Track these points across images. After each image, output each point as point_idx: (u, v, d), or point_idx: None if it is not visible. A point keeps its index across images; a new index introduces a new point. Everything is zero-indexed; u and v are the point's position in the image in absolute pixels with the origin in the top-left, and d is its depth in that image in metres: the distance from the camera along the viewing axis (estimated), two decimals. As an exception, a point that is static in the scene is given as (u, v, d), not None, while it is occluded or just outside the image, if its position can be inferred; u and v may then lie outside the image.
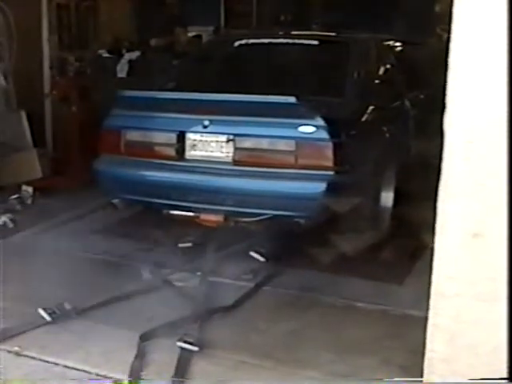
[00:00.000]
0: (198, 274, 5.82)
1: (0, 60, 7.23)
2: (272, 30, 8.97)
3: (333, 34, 7.61)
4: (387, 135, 6.51)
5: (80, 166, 8.05)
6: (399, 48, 7.71)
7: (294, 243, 6.20)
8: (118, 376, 4.35)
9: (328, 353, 4.67)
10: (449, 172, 3.21)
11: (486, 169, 3.08)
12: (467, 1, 3.08)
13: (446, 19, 10.88)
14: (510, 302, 3.14)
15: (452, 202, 3.25)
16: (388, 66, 7.20)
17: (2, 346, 4.71)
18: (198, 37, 11.02)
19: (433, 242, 5.84)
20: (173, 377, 4.29)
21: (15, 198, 7.53)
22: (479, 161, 3.09)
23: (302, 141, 5.65)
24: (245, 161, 5.85)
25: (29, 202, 7.65)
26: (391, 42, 7.70)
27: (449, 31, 9.69)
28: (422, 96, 7.47)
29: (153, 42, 9.41)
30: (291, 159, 5.70)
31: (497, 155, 3.03)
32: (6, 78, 7.27)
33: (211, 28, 11.78)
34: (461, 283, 3.29)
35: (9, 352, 4.65)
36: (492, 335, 3.29)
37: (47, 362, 4.55)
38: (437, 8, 12.16)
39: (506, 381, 3.21)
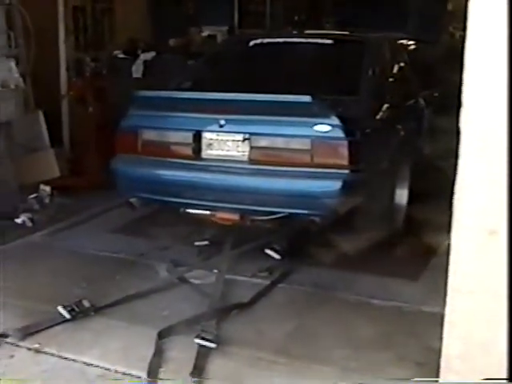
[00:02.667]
0: (215, 271, 5.83)
1: (18, 62, 7.25)
2: (286, 29, 8.97)
3: (347, 33, 7.61)
4: (402, 133, 6.50)
5: (96, 165, 8.07)
6: (413, 46, 7.70)
7: (309, 241, 6.20)
8: (136, 373, 4.37)
9: (342, 349, 4.69)
10: (465, 169, 3.21)
11: (502, 166, 3.07)
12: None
13: (458, 18, 10.92)
14: (511, 304, 3.15)
15: (468, 200, 3.25)
16: (402, 65, 7.18)
17: (23, 344, 4.75)
18: (213, 37, 11.04)
19: (448, 239, 5.87)
20: (191, 373, 4.31)
21: (33, 198, 7.57)
22: (495, 158, 3.09)
23: (317, 139, 5.64)
24: (260, 159, 5.85)
25: (47, 201, 7.68)
26: (405, 41, 7.68)
27: (463, 29, 9.65)
28: (436, 94, 7.46)
29: (171, 42, 9.41)
30: (307, 158, 5.69)
31: (512, 153, 3.03)
32: (24, 79, 7.29)
33: (225, 28, 11.79)
34: (477, 280, 3.28)
35: (29, 349, 4.70)
36: (506, 333, 3.28)
37: (66, 358, 4.59)
38: (449, 6, 12.13)
39: (506, 381, 3.21)
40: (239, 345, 4.74)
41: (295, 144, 5.76)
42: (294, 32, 8.34)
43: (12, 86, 7.00)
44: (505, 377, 3.22)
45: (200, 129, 6.03)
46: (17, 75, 7.10)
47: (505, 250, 3.17)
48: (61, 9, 8.63)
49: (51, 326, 4.98)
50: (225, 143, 5.96)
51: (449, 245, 3.48)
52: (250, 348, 4.70)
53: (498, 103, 3.06)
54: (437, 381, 3.60)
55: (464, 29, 9.36)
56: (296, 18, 13.03)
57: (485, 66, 3.11)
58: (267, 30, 11.03)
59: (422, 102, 7.17)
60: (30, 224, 7.10)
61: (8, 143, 7.12)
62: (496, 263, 3.24)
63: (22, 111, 7.27)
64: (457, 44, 9.87)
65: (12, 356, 4.64)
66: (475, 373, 3.40)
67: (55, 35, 8.61)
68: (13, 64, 7.08)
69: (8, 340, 4.79)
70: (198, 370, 4.37)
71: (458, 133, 3.39)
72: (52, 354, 4.64)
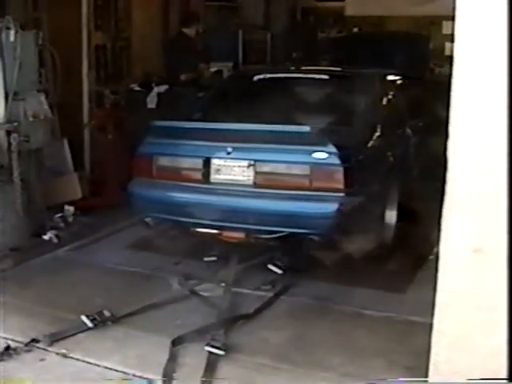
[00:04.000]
0: (222, 284, 5.80)
1: (47, 94, 7.27)
2: (286, 65, 8.98)
3: (341, 69, 7.63)
4: (391, 159, 6.50)
5: (115, 187, 8.05)
6: (400, 81, 7.70)
7: (308, 257, 6.18)
8: (152, 377, 4.36)
9: (340, 356, 4.68)
10: (452, 193, 3.21)
11: (487, 190, 3.08)
12: (467, 38, 3.07)
13: (438, 56, 10.90)
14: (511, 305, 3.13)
15: (455, 220, 3.25)
16: (390, 97, 7.19)
17: (51, 349, 4.77)
18: (219, 72, 11.05)
19: (432, 254, 5.86)
20: (202, 378, 4.30)
21: (59, 217, 7.55)
22: (481, 183, 3.09)
23: (315, 166, 5.65)
24: (264, 184, 5.85)
25: (70, 219, 7.66)
26: (392, 76, 7.69)
27: (442, 66, 9.64)
28: (420, 124, 7.45)
29: (183, 76, 9.41)
30: (306, 182, 5.70)
31: (497, 178, 3.02)
32: (51, 110, 7.30)
33: (230, 64, 11.80)
34: (463, 294, 3.28)
35: (57, 354, 4.71)
36: (490, 340, 3.27)
37: (90, 363, 4.60)
38: (430, 45, 12.17)
39: (506, 381, 3.19)
40: (245, 352, 4.73)
41: (295, 170, 5.77)
42: (294, 68, 8.33)
43: (42, 117, 7.00)
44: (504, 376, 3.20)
45: (209, 156, 6.04)
46: (46, 107, 7.11)
47: (490, 266, 3.17)
48: (84, 47, 8.66)
49: (76, 334, 4.98)
50: (232, 169, 5.96)
51: (432, 259, 3.47)
52: (255, 355, 4.69)
53: (483, 134, 3.06)
54: (433, 382, 3.58)
55: (442, 66, 9.37)
56: (294, 54, 13.05)
57: (470, 101, 3.11)
58: (269, 66, 11.03)
59: (408, 131, 7.16)
60: (55, 240, 7.09)
61: (38, 168, 7.12)
62: (481, 278, 3.23)
63: (50, 139, 7.27)
64: (437, 79, 9.94)
65: (43, 359, 4.66)
66: (461, 375, 3.40)
67: (79, 70, 8.63)
68: (43, 97, 7.09)
69: (38, 345, 4.80)
70: (209, 375, 4.36)
71: (438, 157, 3.41)
72: (77, 359, 4.65)
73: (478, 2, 3.02)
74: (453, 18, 3.20)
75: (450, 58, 3.27)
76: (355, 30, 15.20)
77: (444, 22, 12.74)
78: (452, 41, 3.17)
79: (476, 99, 3.06)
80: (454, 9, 3.19)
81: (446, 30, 12.61)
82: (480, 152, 3.13)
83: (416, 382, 3.96)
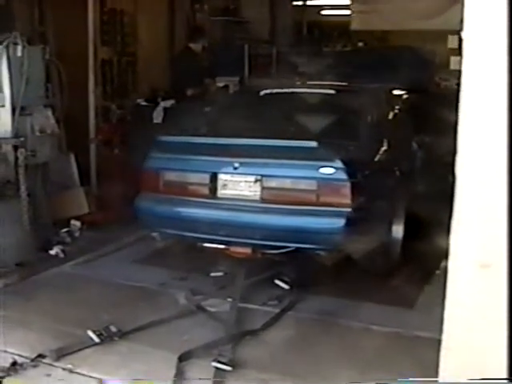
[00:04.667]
0: (229, 300, 5.79)
1: (54, 109, 7.31)
2: (292, 80, 9.00)
3: (347, 83, 7.64)
4: (397, 174, 6.50)
5: (121, 202, 8.06)
6: (405, 96, 7.71)
7: (315, 272, 6.18)
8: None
9: (347, 370, 4.65)
10: (460, 208, 3.21)
11: (496, 205, 3.08)
12: (475, 53, 3.07)
13: (443, 69, 10.89)
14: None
15: (463, 236, 3.24)
16: (396, 112, 7.19)
17: (57, 364, 4.75)
18: (225, 87, 11.08)
19: (439, 268, 5.85)
20: (209, 394, 4.30)
21: (65, 231, 7.58)
22: (489, 198, 3.09)
23: (322, 181, 5.66)
24: (271, 199, 5.86)
25: (77, 234, 7.69)
26: (398, 91, 7.70)
27: (447, 80, 9.61)
28: (427, 138, 7.45)
29: (189, 91, 9.46)
30: (313, 197, 5.70)
31: (506, 193, 3.02)
32: (58, 124, 7.34)
33: (237, 78, 11.83)
34: (472, 309, 3.26)
35: (63, 369, 4.69)
36: (500, 357, 3.25)
37: (96, 378, 4.57)
38: (436, 59, 12.19)
39: (506, 381, 3.17)
40: (253, 367, 4.72)
41: (302, 185, 5.78)
42: (299, 82, 8.35)
43: (48, 132, 7.03)
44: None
45: (216, 171, 6.05)
46: (53, 122, 7.14)
47: (497, 281, 3.16)
48: (91, 62, 8.68)
49: (82, 349, 4.96)
50: (238, 184, 5.97)
51: (440, 274, 3.47)
52: (263, 370, 4.67)
53: (492, 149, 3.06)
54: (436, 381, 3.56)
55: (447, 79, 9.34)
56: (300, 69, 13.07)
57: (478, 116, 3.12)
58: (275, 80, 11.05)
59: (415, 145, 7.16)
60: (62, 255, 7.10)
61: (44, 182, 7.15)
62: (489, 294, 3.22)
63: (56, 153, 7.30)
64: (442, 92, 9.95)
65: (49, 375, 4.65)
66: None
67: (85, 85, 8.66)
68: (49, 112, 7.13)
69: (45, 360, 4.79)
70: (216, 391, 4.35)
71: (444, 172, 3.39)
72: (83, 374, 4.63)
73: (486, 15, 3.03)
74: (457, 32, 3.21)
75: (456, 72, 3.28)
76: (360, 44, 15.26)
77: (449, 36, 12.77)
78: (457, 55, 3.18)
79: (485, 115, 3.06)
80: (458, 23, 3.19)
81: (451, 44, 12.64)
82: (488, 167, 3.13)
83: (425, 382, 3.93)
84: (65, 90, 7.50)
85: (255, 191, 5.90)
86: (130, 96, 10.46)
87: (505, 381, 3.18)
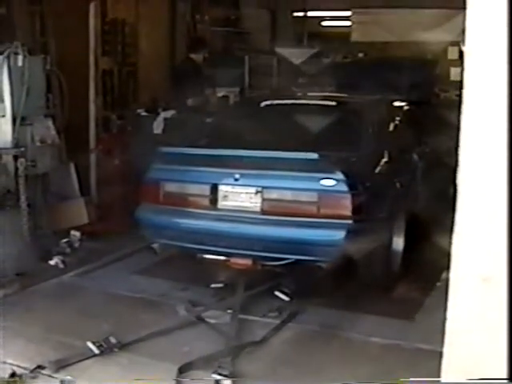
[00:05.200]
0: (229, 311, 5.79)
1: (54, 119, 7.33)
2: (293, 91, 9.03)
3: (347, 95, 7.65)
4: (398, 185, 6.51)
5: (121, 213, 8.07)
6: (406, 107, 7.73)
7: (315, 284, 6.18)
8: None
9: (348, 382, 4.64)
10: (461, 220, 3.21)
11: (498, 219, 3.08)
12: (477, 66, 3.08)
13: (443, 80, 10.90)
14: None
15: (464, 248, 3.24)
16: (397, 123, 7.20)
17: (57, 375, 4.74)
18: (226, 97, 11.09)
19: (440, 280, 5.85)
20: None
21: (65, 242, 7.57)
22: (491, 212, 3.09)
23: (323, 193, 5.67)
24: (272, 210, 5.87)
25: (77, 245, 7.68)
26: (399, 102, 7.72)
27: (447, 91, 9.63)
28: (427, 150, 7.47)
29: (189, 101, 9.48)
30: (314, 209, 5.71)
31: (507, 208, 3.03)
32: (58, 134, 7.36)
33: (237, 89, 11.85)
34: (473, 323, 3.26)
35: (62, 381, 4.66)
36: (502, 371, 3.25)
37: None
38: (436, 70, 12.23)
39: (506, 381, 3.17)
40: (252, 380, 4.71)
41: (303, 197, 5.79)
42: (300, 94, 8.37)
43: (49, 142, 7.05)
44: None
45: (216, 182, 6.06)
46: (53, 132, 7.16)
47: (498, 294, 3.16)
48: (92, 72, 8.70)
49: (82, 360, 4.95)
50: (239, 195, 5.98)
51: (440, 286, 3.47)
52: (262, 383, 4.66)
53: (493, 164, 3.06)
54: (438, 381, 3.55)
55: (447, 91, 9.36)
56: (300, 80, 13.10)
57: (478, 130, 3.12)
58: (276, 92, 11.08)
59: (415, 157, 7.17)
60: (61, 266, 7.10)
61: (44, 192, 7.16)
62: (491, 307, 3.22)
63: (57, 164, 7.31)
64: (442, 103, 9.97)
65: (48, 386, 4.64)
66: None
67: (86, 95, 8.68)
68: (50, 122, 7.15)
69: (44, 371, 4.78)
70: (215, 403, 4.35)
71: (445, 183, 3.39)
72: (83, 387, 4.62)
73: (488, 29, 3.03)
74: (457, 44, 3.23)
75: (456, 83, 3.28)
76: (361, 55, 15.29)
77: (449, 48, 12.81)
78: (457, 66, 3.19)
79: (486, 128, 3.06)
80: (458, 35, 3.21)
81: (451, 56, 12.68)
82: (489, 180, 3.13)
83: (427, 382, 3.93)
84: (65, 100, 7.53)
85: (256, 203, 5.90)
86: (131, 106, 10.46)
87: (505, 381, 3.18)
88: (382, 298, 6.13)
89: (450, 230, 3.29)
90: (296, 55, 13.62)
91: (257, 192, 5.89)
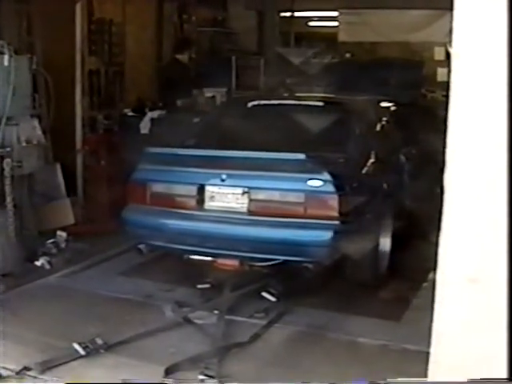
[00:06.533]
0: (216, 312, 5.78)
1: (40, 120, 7.30)
2: (280, 91, 9.02)
3: (334, 95, 7.65)
4: (385, 186, 6.52)
5: (107, 213, 8.06)
6: (393, 108, 7.74)
7: (302, 285, 6.18)
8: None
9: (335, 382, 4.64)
10: (448, 221, 3.21)
11: (484, 221, 3.08)
12: (463, 67, 3.08)
13: (430, 81, 10.91)
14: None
15: (451, 249, 3.24)
16: (384, 124, 7.21)
17: (43, 376, 4.71)
18: (213, 98, 11.08)
19: (426, 281, 5.86)
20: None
21: (51, 243, 7.52)
22: (477, 214, 3.09)
23: (310, 194, 5.67)
24: (258, 211, 5.87)
25: (63, 245, 7.64)
26: (386, 103, 7.73)
27: (433, 92, 9.64)
28: (414, 151, 7.48)
29: (179, 102, 9.48)
30: (300, 210, 5.71)
31: (494, 210, 3.03)
32: (44, 134, 7.33)
33: (224, 90, 11.83)
34: (460, 323, 3.27)
35: (49, 382, 4.64)
36: (488, 371, 3.25)
37: (82, 391, 4.54)
38: (423, 71, 12.25)
39: (506, 381, 3.17)
40: (240, 380, 4.67)
41: (290, 197, 5.79)
42: (287, 94, 8.37)
43: (35, 142, 7.01)
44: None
45: (203, 182, 6.06)
46: (39, 132, 7.13)
47: (486, 296, 3.16)
48: (78, 72, 8.68)
49: (68, 361, 4.92)
50: (226, 196, 5.97)
51: (427, 286, 3.47)
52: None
53: (480, 165, 3.07)
54: (425, 381, 3.55)
55: (434, 91, 9.36)
56: (288, 80, 13.09)
57: (466, 130, 3.12)
58: (263, 92, 11.08)
59: (402, 157, 7.18)
60: (48, 266, 7.06)
61: (30, 193, 7.12)
62: (478, 309, 3.22)
63: (43, 164, 7.27)
64: (429, 104, 9.98)
65: (34, 388, 4.61)
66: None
67: (72, 95, 8.65)
68: (36, 122, 7.12)
69: (30, 373, 4.74)
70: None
71: (432, 184, 3.38)
72: (69, 388, 4.60)
73: (476, 31, 3.03)
74: (444, 45, 3.23)
75: (443, 84, 3.28)
76: (348, 55, 15.30)
77: (436, 48, 12.83)
78: (444, 66, 3.19)
79: (474, 129, 3.07)
80: (445, 35, 3.20)
81: (438, 56, 12.69)
82: (477, 181, 3.14)
83: (416, 382, 3.92)
84: (52, 100, 7.50)
85: (242, 203, 5.90)
86: (117, 106, 10.44)
87: (505, 381, 3.18)
88: (370, 298, 6.14)
89: (437, 230, 3.29)
90: (295, 54, 13.63)
91: (243, 193, 5.88)
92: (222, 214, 5.98)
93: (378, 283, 6.32)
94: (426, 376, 3.56)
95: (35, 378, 4.71)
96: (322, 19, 16.45)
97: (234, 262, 5.97)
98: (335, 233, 5.58)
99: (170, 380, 4.62)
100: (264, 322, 5.69)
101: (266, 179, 5.89)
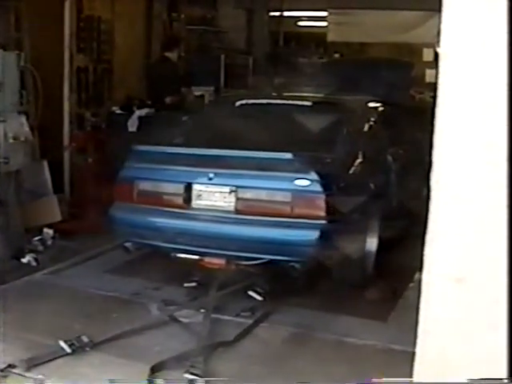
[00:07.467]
0: (202, 311, 5.77)
1: (28, 116, 7.27)
2: (268, 91, 9.02)
3: (323, 95, 7.65)
4: (372, 186, 6.52)
5: (94, 211, 8.03)
6: (381, 108, 7.75)
7: (289, 284, 6.18)
8: (130, 404, 4.33)
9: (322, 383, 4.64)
10: (435, 223, 3.21)
11: (470, 221, 3.09)
12: (451, 68, 3.09)
13: (418, 82, 10.95)
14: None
15: (438, 250, 3.24)
16: (372, 124, 7.21)
17: (28, 374, 4.69)
18: (201, 96, 11.09)
19: (413, 281, 5.87)
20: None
21: (38, 240, 7.51)
22: (463, 214, 3.10)
23: (297, 193, 5.67)
24: (245, 210, 5.86)
25: (49, 243, 7.62)
26: (374, 103, 7.74)
27: (422, 93, 9.67)
28: (401, 151, 7.49)
29: (168, 99, 9.48)
30: (287, 209, 5.71)
31: (480, 210, 3.04)
32: (32, 131, 7.31)
33: (212, 88, 11.84)
34: (446, 323, 3.27)
35: (34, 380, 4.60)
36: (474, 372, 3.26)
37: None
38: (412, 72, 12.28)
39: (506, 381, 3.18)
40: (224, 379, 4.67)
41: (277, 196, 5.79)
42: (275, 94, 8.37)
43: (22, 139, 6.99)
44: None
45: (191, 181, 6.05)
46: (27, 129, 7.11)
47: (472, 295, 3.17)
48: (66, 69, 8.67)
49: (53, 359, 4.91)
50: (213, 194, 5.96)
51: (413, 287, 3.47)
52: (235, 382, 4.61)
53: (466, 165, 3.07)
54: (411, 381, 3.56)
55: (422, 92, 9.38)
56: (276, 79, 13.10)
57: (453, 130, 3.13)
58: (252, 91, 11.08)
59: (389, 158, 7.19)
60: (34, 263, 7.04)
61: (17, 190, 7.10)
62: (464, 308, 3.23)
63: (30, 161, 7.25)
64: (417, 105, 10.00)
65: (19, 385, 4.59)
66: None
67: (60, 92, 8.64)
68: (24, 119, 7.10)
69: (15, 370, 4.72)
70: (188, 403, 4.33)
71: (419, 185, 3.38)
72: (54, 385, 4.58)
73: (464, 31, 3.04)
74: (433, 46, 3.24)
75: (431, 85, 3.29)
76: (336, 55, 15.33)
77: (425, 49, 12.87)
78: (432, 68, 3.19)
79: (460, 129, 3.08)
80: (434, 37, 3.20)
81: (426, 57, 12.73)
82: (463, 181, 3.14)
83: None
84: (39, 96, 7.47)
85: (230, 202, 5.89)
86: (105, 104, 10.43)
87: (505, 381, 3.18)
88: (356, 298, 6.14)
89: (423, 230, 3.30)
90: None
91: (231, 191, 5.88)
92: (209, 212, 5.98)
93: (364, 283, 6.32)
94: (411, 376, 3.57)
95: (20, 375, 4.69)
96: (311, 19, 16.48)
97: (221, 261, 5.96)
98: (322, 232, 5.58)
99: (158, 379, 4.62)
100: (250, 321, 5.69)
101: (254, 178, 5.88)
